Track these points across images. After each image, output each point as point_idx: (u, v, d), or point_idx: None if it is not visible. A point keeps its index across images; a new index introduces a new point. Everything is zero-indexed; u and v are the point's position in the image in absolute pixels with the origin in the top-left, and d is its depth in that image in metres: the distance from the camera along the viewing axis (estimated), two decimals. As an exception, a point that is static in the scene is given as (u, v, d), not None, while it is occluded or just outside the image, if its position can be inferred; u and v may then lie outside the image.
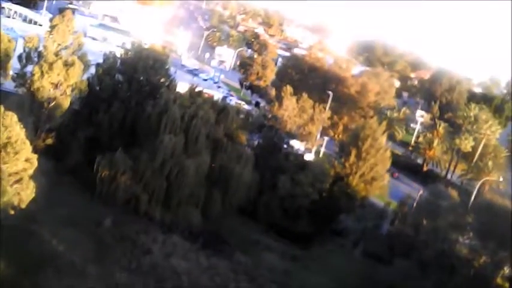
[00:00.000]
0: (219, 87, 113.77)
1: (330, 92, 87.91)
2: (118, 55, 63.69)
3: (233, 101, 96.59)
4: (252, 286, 43.42)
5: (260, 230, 56.14)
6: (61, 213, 44.85)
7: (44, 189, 38.89)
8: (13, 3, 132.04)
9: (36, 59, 56.13)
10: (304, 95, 74.25)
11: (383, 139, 66.59)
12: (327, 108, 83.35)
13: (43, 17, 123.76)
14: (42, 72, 53.69)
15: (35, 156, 36.30)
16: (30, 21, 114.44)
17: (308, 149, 76.91)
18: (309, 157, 71.19)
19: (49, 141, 53.54)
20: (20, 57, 56.81)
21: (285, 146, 67.09)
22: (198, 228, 50.51)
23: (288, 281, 46.94)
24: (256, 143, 66.05)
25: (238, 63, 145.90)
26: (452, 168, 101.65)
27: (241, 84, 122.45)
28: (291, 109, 70.71)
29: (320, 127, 76.32)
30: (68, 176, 52.90)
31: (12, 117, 35.83)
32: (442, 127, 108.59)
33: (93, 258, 40.91)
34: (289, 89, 74.06)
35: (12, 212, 34.88)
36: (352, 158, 63.57)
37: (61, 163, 54.05)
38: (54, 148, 53.51)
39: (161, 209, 51.31)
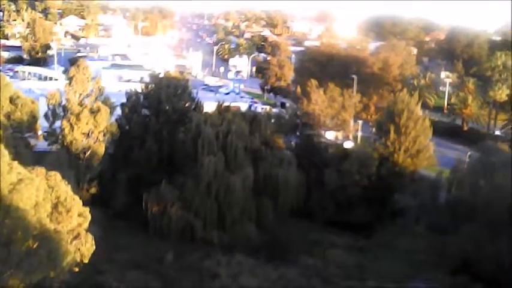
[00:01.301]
0: (241, 97, 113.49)
1: (354, 76, 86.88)
2: (139, 90, 63.90)
3: (258, 107, 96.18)
4: (328, 287, 42.74)
5: (318, 229, 55.33)
6: (122, 258, 44.86)
7: (99, 239, 38.85)
8: (24, 65, 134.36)
9: (62, 114, 56.67)
10: (331, 85, 73.39)
11: (418, 109, 65.39)
12: (354, 92, 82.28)
13: (56, 71, 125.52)
14: (71, 125, 54.06)
15: (87, 209, 36.17)
16: (45, 79, 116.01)
17: (346, 136, 76.04)
18: (348, 145, 70.28)
19: (93, 190, 53.72)
20: (46, 116, 57.44)
21: (323, 139, 66.34)
22: (257, 241, 49.96)
23: (361, 273, 46.12)
24: (293, 143, 65.45)
25: (254, 69, 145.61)
26: (492, 121, 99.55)
27: (262, 89, 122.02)
28: (321, 102, 69.92)
29: (353, 113, 75.37)
30: (119, 220, 52.94)
31: (56, 176, 35.77)
32: (471, 83, 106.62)
33: (163, 296, 40.80)
34: (314, 82, 73.27)
35: (77, 270, 34.78)
36: (392, 135, 62.48)
37: (110, 209, 54.19)
38: (99, 196, 53.62)
39: (217, 231, 50.99)
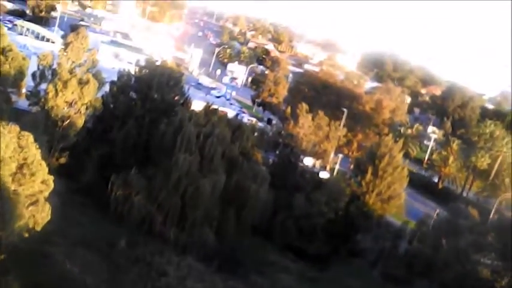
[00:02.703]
0: (231, 104, 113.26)
1: (345, 109, 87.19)
2: (132, 72, 63.34)
3: (245, 118, 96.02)
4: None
5: (276, 251, 55.02)
6: (75, 234, 44.15)
7: (57, 210, 38.16)
8: (25, 20, 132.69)
9: (50, 77, 55.76)
10: (320, 113, 73.51)
11: (400, 157, 65.69)
12: (341, 125, 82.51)
13: (55, 34, 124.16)
14: (56, 90, 53.21)
15: (51, 177, 35.56)
16: (42, 39, 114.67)
17: (323, 167, 76.06)
18: (324, 175, 70.22)
19: (62, 160, 52.91)
20: (34, 75, 56.44)
21: (300, 164, 66.24)
22: (213, 249, 49.53)
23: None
24: (271, 161, 65.26)
25: (249, 79, 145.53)
26: (468, 185, 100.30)
27: (253, 101, 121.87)
28: (307, 127, 69.98)
29: (335, 145, 75.52)
30: (81, 195, 52.23)
31: (28, 138, 35.12)
32: (455, 144, 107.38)
33: (107, 280, 40.13)
34: (304, 106, 73.36)
35: (26, 235, 34.12)
36: (369, 176, 62.62)
37: (74, 182, 53.42)
38: (68, 167, 52.82)
39: (175, 229, 50.47)
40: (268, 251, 53.97)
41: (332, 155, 77.90)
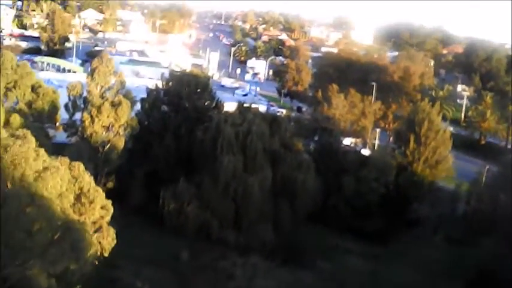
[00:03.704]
0: (259, 99, 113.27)
1: (374, 83, 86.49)
2: (160, 87, 63.76)
3: (275, 110, 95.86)
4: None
5: (334, 234, 54.91)
6: (138, 254, 44.58)
7: (116, 233, 38.63)
8: (41, 56, 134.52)
9: (82, 106, 56.50)
10: (352, 90, 73.08)
11: (439, 120, 65.01)
12: (373, 99, 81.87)
13: (74, 64, 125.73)
14: (91, 117, 53.89)
15: (109, 202, 36.01)
16: (63, 70, 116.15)
17: (363, 144, 75.67)
18: (365, 152, 69.90)
19: (110, 184, 53.37)
20: (66, 107, 57.28)
21: (341, 145, 66.02)
22: (273, 244, 49.63)
23: (376, 280, 45.75)
24: (312, 147, 65.14)
25: (271, 72, 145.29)
26: (510, 136, 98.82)
27: (279, 92, 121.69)
28: (341, 107, 69.66)
29: (373, 120, 75.01)
30: (135, 216, 52.63)
31: (79, 167, 35.63)
32: (489, 97, 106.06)
33: (179, 293, 40.61)
34: (335, 87, 73.01)
35: (96, 262, 34.56)
36: (412, 145, 62.11)
37: (125, 204, 53.90)
38: (116, 190, 53.35)
39: (233, 231, 50.70)
40: (327, 236, 53.93)
41: (370, 130, 77.42)
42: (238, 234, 50.22)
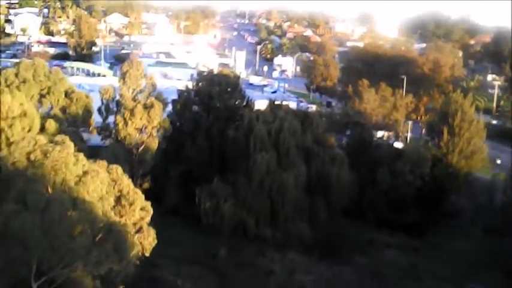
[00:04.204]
0: (288, 96, 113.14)
1: (404, 76, 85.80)
2: (190, 87, 64.08)
3: (305, 106, 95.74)
4: (385, 286, 42.22)
5: (371, 228, 54.70)
6: (176, 253, 45.06)
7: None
8: (70, 61, 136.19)
9: (115, 109, 57.12)
10: (382, 84, 72.67)
11: (472, 111, 64.30)
12: (404, 93, 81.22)
13: (103, 68, 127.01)
14: (125, 119, 54.49)
15: (148, 203, 36.34)
16: (93, 75, 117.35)
17: (395, 137, 75.14)
18: (398, 145, 69.41)
19: (145, 185, 53.89)
20: (99, 110, 58.00)
21: (374, 138, 65.69)
22: (310, 239, 49.61)
23: (416, 273, 45.46)
24: (344, 142, 64.94)
25: (298, 69, 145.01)
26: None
27: (308, 88, 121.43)
28: (373, 101, 69.31)
29: (404, 113, 74.44)
30: (171, 215, 53.09)
31: (117, 170, 36.02)
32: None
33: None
34: (365, 81, 72.67)
35: (138, 263, 34.92)
36: (446, 136, 61.56)
37: (161, 204, 54.37)
38: (152, 191, 53.80)
39: (269, 228, 50.83)
40: (363, 230, 53.68)
41: (402, 123, 76.86)
42: (275, 231, 50.35)
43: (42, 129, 48.72)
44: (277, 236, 49.77)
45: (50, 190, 31.77)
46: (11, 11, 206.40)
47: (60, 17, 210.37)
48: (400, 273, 45.09)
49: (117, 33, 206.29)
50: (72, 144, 33.76)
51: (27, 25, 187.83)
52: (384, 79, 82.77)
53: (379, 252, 48.87)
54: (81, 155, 33.55)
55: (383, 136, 74.77)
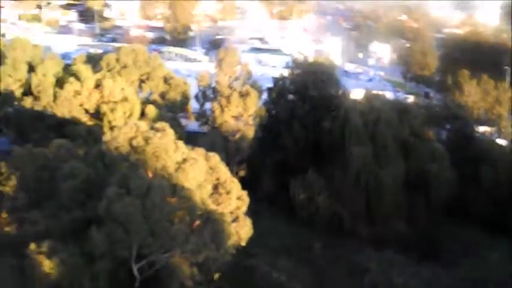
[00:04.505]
0: (384, 85, 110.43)
1: (507, 67, 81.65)
2: (285, 75, 63.49)
3: (401, 97, 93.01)
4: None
5: (474, 229, 51.62)
6: (271, 243, 44.73)
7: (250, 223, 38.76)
8: (166, 46, 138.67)
9: (212, 96, 57.44)
10: (484, 76, 69.26)
11: None
12: (507, 85, 77.09)
13: (198, 53, 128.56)
14: (221, 107, 54.74)
15: (245, 192, 36.24)
16: (189, 60, 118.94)
17: (498, 132, 71.51)
18: (501, 141, 66.03)
19: (241, 173, 53.86)
20: (197, 97, 58.49)
21: (476, 133, 62.84)
22: (409, 238, 47.89)
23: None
24: (444, 137, 62.45)
25: (395, 56, 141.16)
26: None
27: (404, 77, 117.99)
28: (474, 94, 66.24)
29: (508, 107, 70.62)
30: (265, 204, 52.75)
31: (215, 158, 36.09)
32: None
33: (313, 284, 40.22)
34: (466, 72, 69.57)
35: (234, 252, 34.93)
36: (555, 133, 57.88)
37: (255, 192, 54.14)
38: (247, 179, 53.73)
39: (365, 224, 49.63)
40: (466, 230, 51.04)
41: (506, 118, 73.00)
42: (371, 227, 49.09)
43: (142, 115, 49.70)
44: (373, 233, 48.46)
45: (150, 175, 32.22)
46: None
47: (156, 1, 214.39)
48: (505, 280, 42.58)
49: (211, 18, 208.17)
50: (172, 132, 34.12)
51: (125, 9, 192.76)
52: (486, 70, 78.94)
53: (483, 254, 46.31)
54: (180, 143, 33.85)
55: (485, 132, 71.44)
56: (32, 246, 28.85)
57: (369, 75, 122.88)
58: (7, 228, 32.45)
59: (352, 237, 47.53)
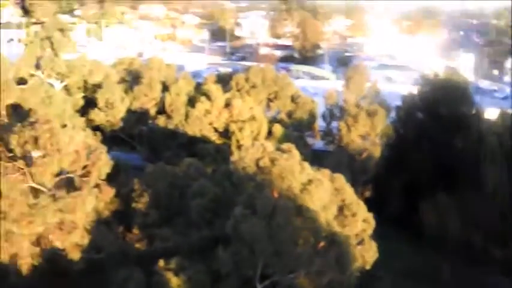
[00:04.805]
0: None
1: None
2: (415, 93, 62.00)
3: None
4: None
5: None
6: (397, 266, 43.59)
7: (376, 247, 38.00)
8: (294, 63, 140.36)
9: (338, 114, 57.36)
10: None
11: None
12: None
13: (326, 71, 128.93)
14: (348, 126, 54.49)
15: (370, 214, 35.68)
16: (316, 78, 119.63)
17: None
18: None
19: (366, 193, 53.23)
20: (323, 115, 58.67)
21: None
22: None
23: None
24: None
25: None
26: None
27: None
28: None
29: None
30: (390, 226, 51.53)
31: (340, 179, 35.87)
32: None
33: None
34: None
35: (358, 275, 34.39)
36: None
37: (380, 213, 53.14)
38: (372, 199, 52.91)
39: (499, 247, 47.08)
40: None
41: None
42: (505, 251, 46.49)
43: (269, 133, 50.56)
44: (507, 256, 45.91)
45: (276, 196, 32.58)
46: (240, 14, 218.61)
47: (285, 20, 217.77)
48: None
49: (340, 36, 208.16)
50: (297, 153, 34.31)
51: (255, 28, 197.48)
52: None
53: None
54: (306, 164, 33.94)
55: None
56: (161, 262, 29.94)
57: (505, 92, 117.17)
58: (138, 245, 33.93)
59: (483, 261, 45.22)
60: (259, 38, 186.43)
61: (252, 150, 34.13)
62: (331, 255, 31.35)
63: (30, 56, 56.14)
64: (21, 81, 51.52)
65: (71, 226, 31.45)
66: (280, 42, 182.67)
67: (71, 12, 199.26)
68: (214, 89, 53.39)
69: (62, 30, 69.14)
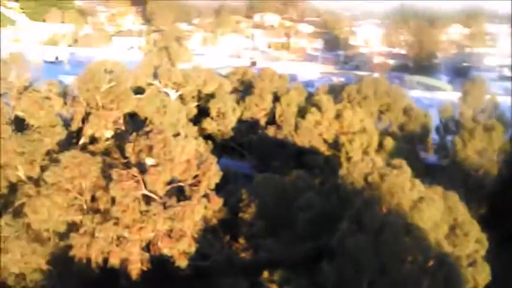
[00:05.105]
0: None
1: None
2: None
3: None
4: None
5: None
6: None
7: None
8: (408, 73, 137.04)
9: (454, 128, 55.45)
10: None
11: None
12: None
13: (442, 82, 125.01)
14: (463, 141, 52.37)
15: (484, 235, 34.13)
16: (431, 89, 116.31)
17: None
18: None
19: (481, 211, 50.97)
20: (437, 129, 56.94)
21: None
22: None
23: None
24: None
25: None
26: None
27: None
28: None
29: None
30: (508, 247, 49.10)
31: (453, 197, 34.64)
32: None
33: None
34: None
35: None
36: None
37: (496, 233, 50.74)
38: (487, 218, 50.59)
39: None
40: None
41: None
42: None
43: (380, 146, 49.63)
44: None
45: (384, 212, 31.93)
46: (354, 23, 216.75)
47: (401, 28, 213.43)
48: None
49: (458, 45, 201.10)
50: (409, 169, 33.45)
51: (369, 36, 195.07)
52: None
53: None
54: (417, 181, 33.03)
55: None
56: (265, 274, 30.10)
57: None
58: (243, 254, 34.28)
59: None
60: (373, 46, 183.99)
61: (361, 165, 33.70)
62: (439, 276, 30.34)
63: (148, 65, 58.28)
64: (139, 90, 53.62)
65: (179, 234, 32.27)
66: (395, 51, 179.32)
67: (188, 21, 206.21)
68: (325, 100, 53.07)
69: (178, 39, 71.23)
